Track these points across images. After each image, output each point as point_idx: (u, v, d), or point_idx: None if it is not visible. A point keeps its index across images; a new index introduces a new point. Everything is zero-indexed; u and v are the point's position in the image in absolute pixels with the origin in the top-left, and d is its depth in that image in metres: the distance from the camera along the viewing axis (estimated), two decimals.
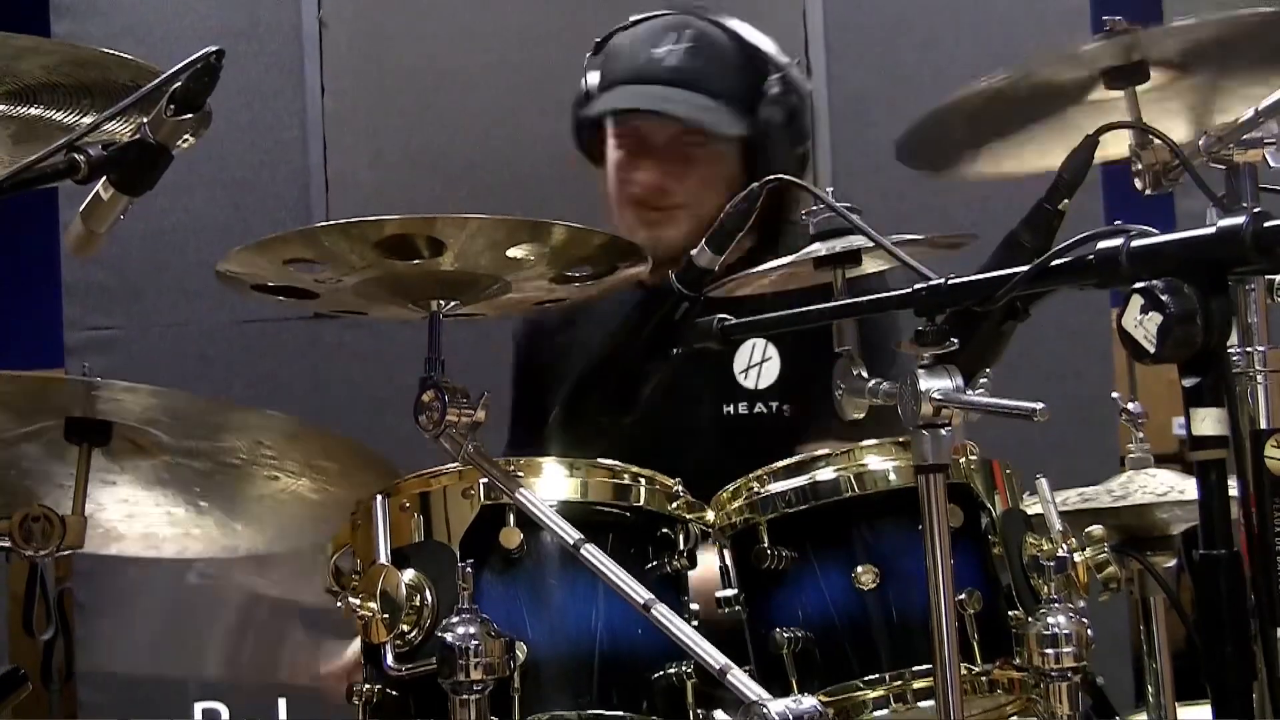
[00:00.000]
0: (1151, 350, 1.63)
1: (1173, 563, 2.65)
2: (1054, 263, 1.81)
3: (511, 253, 2.14)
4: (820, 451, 2.40)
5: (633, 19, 3.20)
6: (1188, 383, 1.67)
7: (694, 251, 2.20)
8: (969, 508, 2.35)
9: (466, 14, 4.69)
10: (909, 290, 1.97)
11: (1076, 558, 2.33)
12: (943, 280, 1.94)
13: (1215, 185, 2.18)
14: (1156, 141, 2.28)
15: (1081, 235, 1.79)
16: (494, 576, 2.29)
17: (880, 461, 2.38)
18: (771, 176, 2.19)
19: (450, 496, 2.33)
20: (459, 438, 2.18)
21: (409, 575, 2.26)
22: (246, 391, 4.49)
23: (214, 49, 1.97)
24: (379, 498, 2.31)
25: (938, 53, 4.48)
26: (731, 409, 3.10)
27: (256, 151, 4.64)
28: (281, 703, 4.55)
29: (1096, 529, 2.37)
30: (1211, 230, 1.67)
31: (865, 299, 2.14)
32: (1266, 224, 1.64)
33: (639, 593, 2.04)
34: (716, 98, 3.08)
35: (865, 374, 2.22)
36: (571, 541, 2.09)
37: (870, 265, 2.34)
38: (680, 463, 2.49)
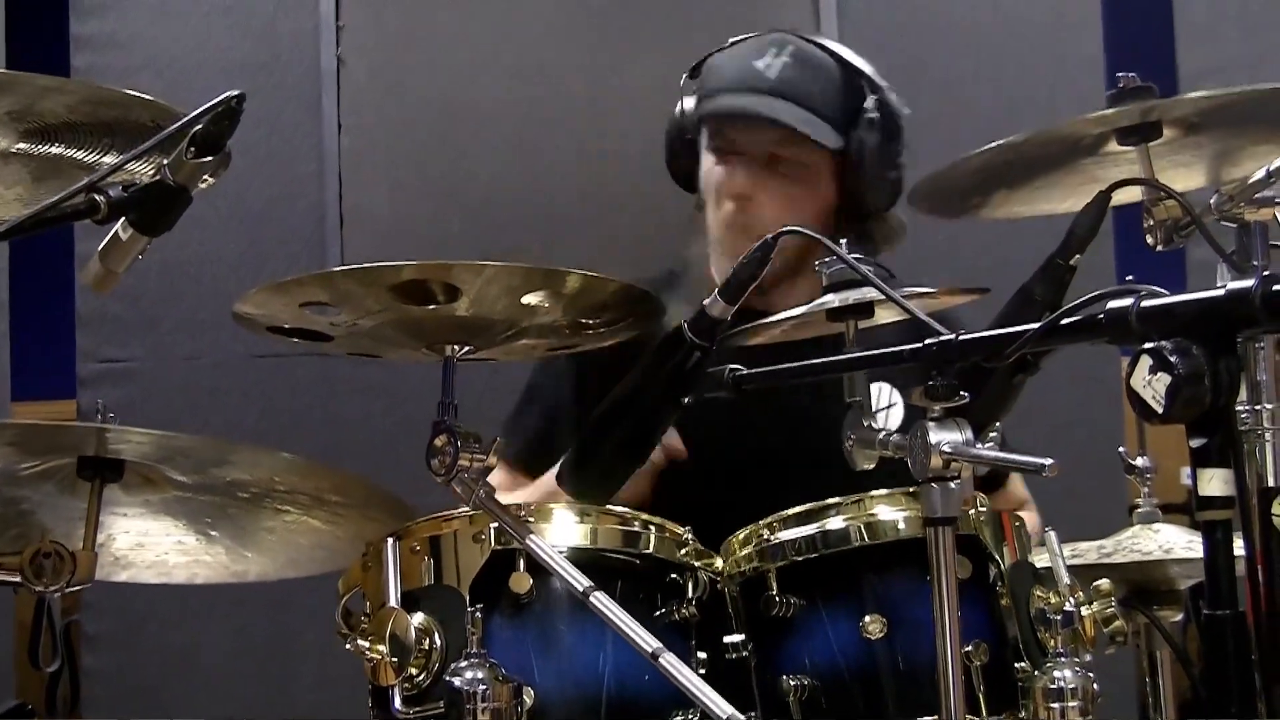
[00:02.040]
0: (1160, 410, 1.64)
1: (1179, 617, 2.66)
2: (1064, 321, 1.82)
3: (526, 300, 2.16)
4: (830, 501, 2.41)
5: (731, 40, 3.21)
6: (1195, 443, 1.68)
7: (706, 301, 2.20)
8: (977, 559, 2.36)
9: (485, 51, 4.70)
10: (920, 345, 1.98)
11: (1084, 611, 2.34)
12: (954, 336, 1.94)
13: (1226, 243, 2.20)
14: (1168, 198, 2.29)
15: (1092, 294, 1.80)
16: (503, 621, 2.30)
17: (890, 511, 2.39)
18: (787, 228, 2.19)
19: (461, 540, 2.34)
20: (471, 483, 2.19)
21: (418, 618, 2.28)
22: (259, 425, 4.48)
23: (236, 93, 1.97)
24: (389, 540, 2.33)
25: (954, 97, 4.49)
26: None
27: (273, 186, 4.63)
28: None
29: (1104, 583, 2.38)
30: (1221, 292, 1.68)
31: (878, 352, 2.15)
32: (1276, 286, 1.65)
33: (647, 641, 2.04)
34: (816, 112, 3.08)
35: (876, 424, 2.23)
36: (581, 589, 2.09)
37: (884, 316, 2.35)
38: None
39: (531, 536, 2.17)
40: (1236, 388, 1.67)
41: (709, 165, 3.18)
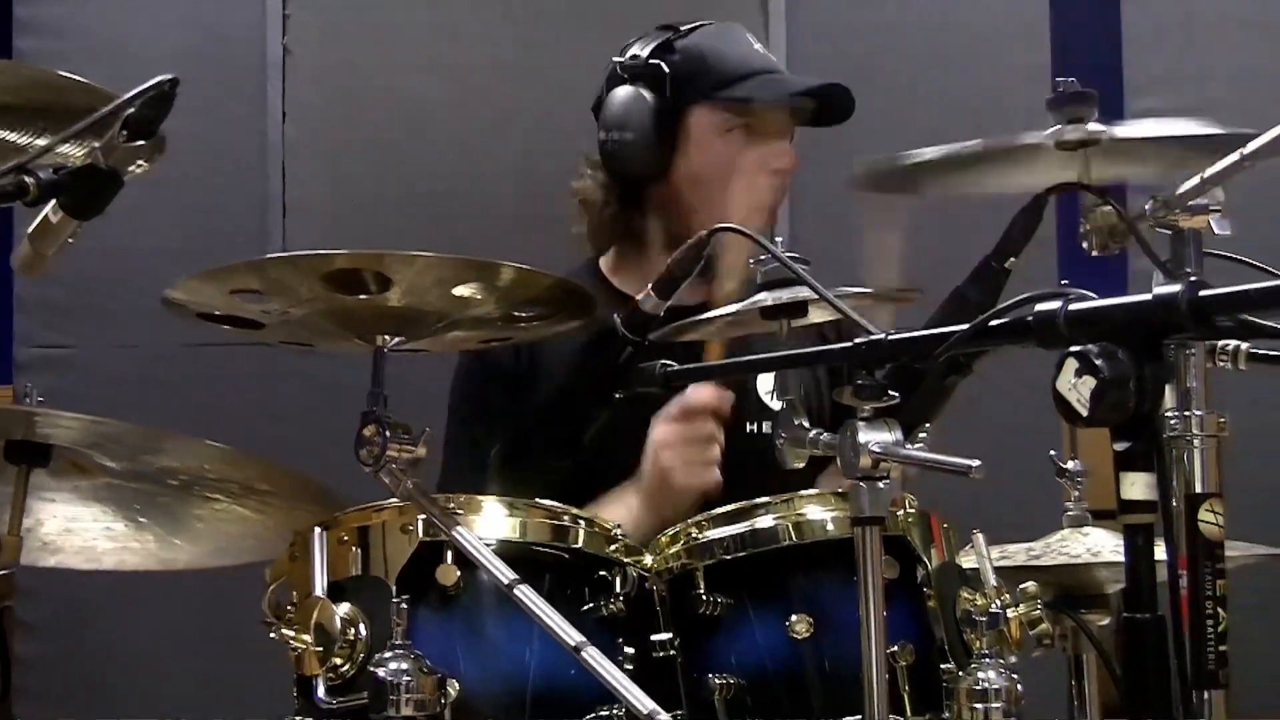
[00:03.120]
0: (1084, 414, 1.65)
1: (1107, 620, 2.66)
2: (993, 323, 1.83)
3: (458, 291, 2.15)
4: (759, 500, 2.41)
5: (684, 27, 3.21)
6: (1119, 447, 1.68)
7: (640, 296, 2.21)
8: (905, 560, 2.36)
9: (433, 45, 4.70)
10: (850, 345, 1.98)
11: (1010, 613, 2.34)
12: (884, 335, 1.95)
13: (1162, 249, 2.21)
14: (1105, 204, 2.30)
15: (1021, 297, 1.81)
16: (430, 613, 2.29)
17: (819, 511, 2.39)
18: (720, 225, 2.19)
19: (389, 531, 2.33)
20: (399, 473, 2.18)
21: (344, 609, 2.26)
22: (197, 414, 4.45)
23: (169, 77, 1.96)
24: (316, 530, 2.31)
25: (900, 99, 4.50)
26: (755, 427, 3.09)
27: (216, 175, 4.62)
28: None
29: (1031, 585, 2.38)
30: (1148, 297, 1.69)
31: (807, 351, 2.15)
32: (1202, 293, 1.66)
33: (571, 635, 2.04)
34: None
35: (807, 424, 2.24)
36: (506, 581, 2.09)
37: (817, 315, 2.35)
38: None
39: (458, 529, 2.16)
40: (1161, 393, 1.68)
41: (726, 148, 3.16)
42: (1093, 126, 2.38)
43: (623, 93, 3.14)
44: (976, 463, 1.90)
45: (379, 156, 4.69)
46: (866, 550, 2.04)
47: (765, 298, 2.30)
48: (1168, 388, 2.17)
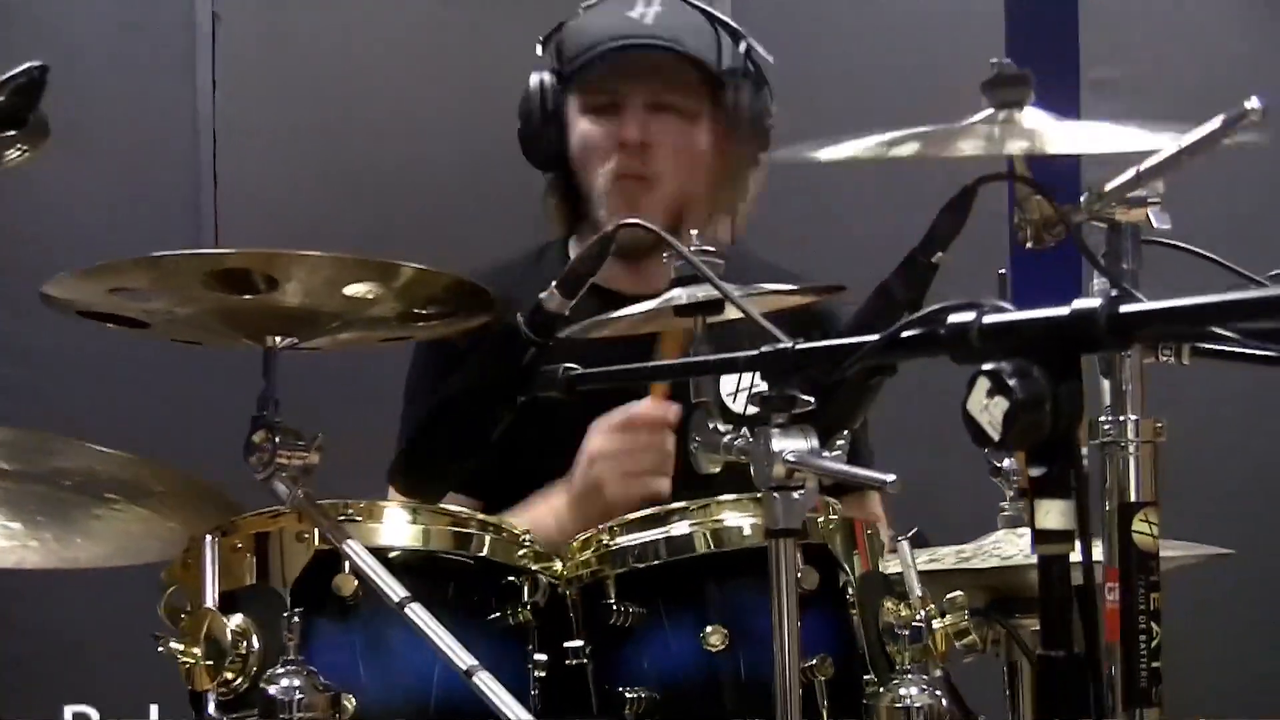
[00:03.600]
0: (996, 437, 1.54)
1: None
2: (904, 334, 1.71)
3: (350, 291, 2.05)
4: (675, 505, 2.32)
5: (585, 5, 3.08)
6: (1034, 472, 1.58)
7: (543, 295, 2.10)
8: (826, 569, 2.27)
9: (372, 12, 4.58)
10: (756, 353, 1.86)
11: (935, 624, 2.25)
12: (790, 345, 1.84)
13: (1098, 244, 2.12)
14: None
15: (934, 307, 1.69)
16: (328, 624, 2.20)
17: (737, 518, 2.30)
18: (627, 220, 2.08)
19: (285, 539, 2.23)
20: (290, 481, 2.08)
21: (236, 620, 2.17)
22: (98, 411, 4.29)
23: (38, 64, 1.86)
24: (208, 538, 2.21)
25: (852, 82, 4.43)
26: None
27: (143, 149, 4.48)
28: (154, 709, 4.43)
29: (959, 595, 2.29)
30: (1065, 311, 1.58)
31: (716, 358, 2.05)
32: (1122, 308, 1.55)
33: (463, 658, 1.94)
34: (698, 54, 2.99)
35: (721, 427, 2.14)
36: (396, 599, 1.99)
37: (733, 312, 2.25)
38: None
39: (350, 541, 2.06)
40: (1079, 414, 1.57)
41: (585, 127, 3.04)
42: (1029, 118, 2.29)
43: (531, 81, 3.06)
44: (891, 477, 1.80)
45: (316, 128, 4.55)
46: (781, 563, 1.94)
47: (679, 294, 2.20)
48: (1105, 386, 2.09)
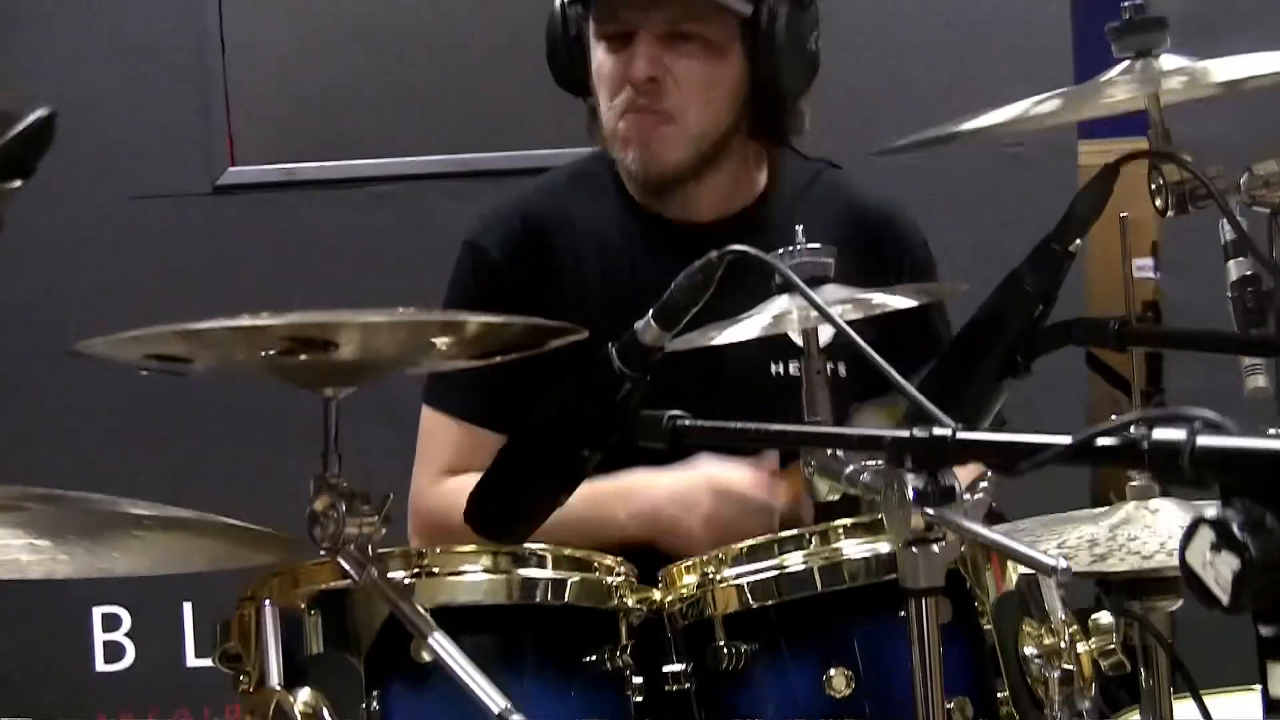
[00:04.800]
0: (1225, 601, 1.29)
1: (1179, 605, 2.35)
2: (1099, 443, 1.44)
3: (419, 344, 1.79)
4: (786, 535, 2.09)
5: None
6: (1265, 632, 1.33)
7: (639, 325, 1.81)
8: (958, 596, 2.03)
9: None
10: (906, 436, 1.59)
11: (1079, 647, 2.03)
12: (950, 431, 1.56)
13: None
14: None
15: (1133, 416, 1.41)
16: (405, 691, 1.98)
17: (858, 549, 2.05)
18: (732, 247, 1.79)
19: (357, 601, 2.01)
20: (359, 556, 1.82)
21: (304, 697, 1.93)
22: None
23: (47, 111, 1.62)
24: (268, 606, 1.96)
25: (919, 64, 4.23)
26: (781, 369, 2.78)
27: (153, 15, 4.25)
28: (187, 606, 4.28)
29: (1104, 618, 2.06)
30: None
31: (851, 432, 1.79)
32: None
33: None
34: None
35: (841, 454, 1.90)
36: (496, 710, 1.73)
37: (852, 314, 2.01)
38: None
39: (436, 635, 1.78)
40: None
41: (600, 57, 2.78)
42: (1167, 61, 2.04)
43: (556, 1, 2.82)
44: (1065, 564, 1.55)
45: (330, 46, 4.29)
46: (923, 626, 1.69)
47: (786, 305, 1.96)
48: None
